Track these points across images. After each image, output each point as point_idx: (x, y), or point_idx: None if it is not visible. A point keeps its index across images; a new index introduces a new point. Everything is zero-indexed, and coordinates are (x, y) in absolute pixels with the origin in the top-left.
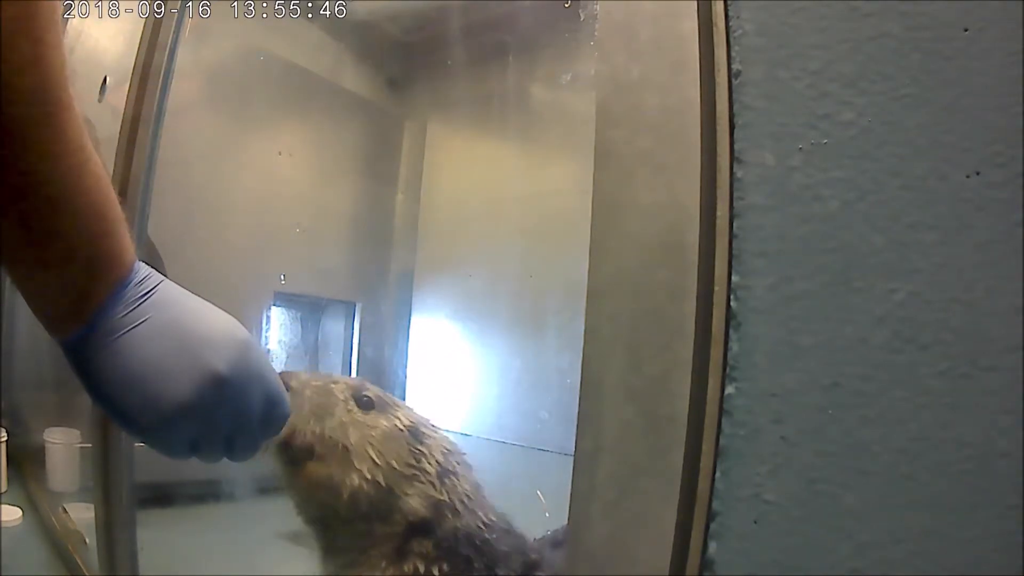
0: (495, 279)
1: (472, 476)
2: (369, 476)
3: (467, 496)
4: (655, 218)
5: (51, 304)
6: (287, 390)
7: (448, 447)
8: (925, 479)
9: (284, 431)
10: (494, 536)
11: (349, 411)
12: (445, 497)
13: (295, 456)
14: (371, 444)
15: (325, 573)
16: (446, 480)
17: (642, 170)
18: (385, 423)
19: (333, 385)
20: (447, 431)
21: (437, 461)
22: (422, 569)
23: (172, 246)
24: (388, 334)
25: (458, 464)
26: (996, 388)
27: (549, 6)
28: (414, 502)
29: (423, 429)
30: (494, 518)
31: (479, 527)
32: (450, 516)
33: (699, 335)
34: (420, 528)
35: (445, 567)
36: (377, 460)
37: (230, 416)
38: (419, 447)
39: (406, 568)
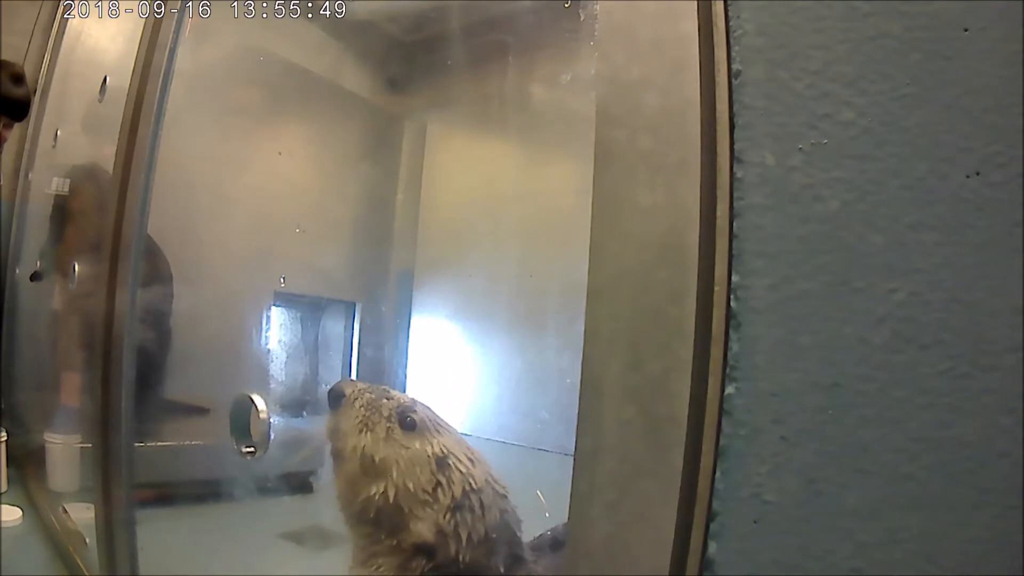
0: (495, 279)
1: (495, 516)
2: (382, 490)
3: (479, 535)
4: (655, 218)
5: None
6: (342, 396)
7: (475, 484)
8: (925, 479)
9: (331, 431)
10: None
11: (388, 429)
12: (451, 530)
13: (335, 454)
14: (396, 463)
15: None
16: (458, 514)
17: (642, 170)
18: (417, 446)
19: (385, 401)
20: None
21: (454, 495)
22: None
23: (172, 246)
24: (388, 334)
25: (480, 502)
26: (996, 388)
27: (549, 6)
28: (420, 527)
29: (452, 461)
30: (503, 568)
31: (487, 565)
32: (452, 548)
33: (699, 335)
34: (423, 551)
35: None
36: (395, 478)
37: None
38: (440, 477)
39: None
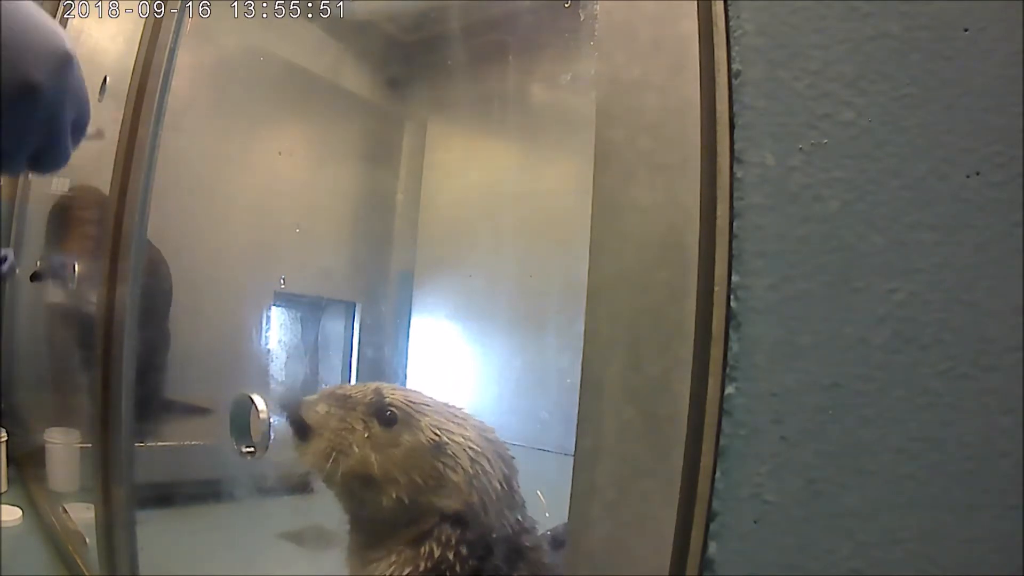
0: (495, 279)
1: (501, 469)
2: (395, 496)
3: (495, 493)
4: (655, 218)
5: None
6: (307, 428)
7: (476, 447)
8: (925, 479)
9: (309, 462)
10: (515, 532)
11: (369, 437)
12: (475, 499)
13: (326, 480)
14: (395, 465)
15: (350, 539)
16: (475, 483)
17: (642, 170)
18: (408, 439)
19: (352, 408)
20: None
21: (464, 468)
22: (437, 553)
23: (172, 246)
24: (388, 334)
25: (487, 462)
26: (996, 388)
27: (549, 6)
28: (444, 503)
29: (447, 437)
30: (520, 517)
31: (503, 524)
32: (481, 513)
33: (699, 335)
34: (448, 518)
35: (464, 551)
36: (402, 480)
37: (41, 127)
38: (443, 460)
39: (422, 550)
